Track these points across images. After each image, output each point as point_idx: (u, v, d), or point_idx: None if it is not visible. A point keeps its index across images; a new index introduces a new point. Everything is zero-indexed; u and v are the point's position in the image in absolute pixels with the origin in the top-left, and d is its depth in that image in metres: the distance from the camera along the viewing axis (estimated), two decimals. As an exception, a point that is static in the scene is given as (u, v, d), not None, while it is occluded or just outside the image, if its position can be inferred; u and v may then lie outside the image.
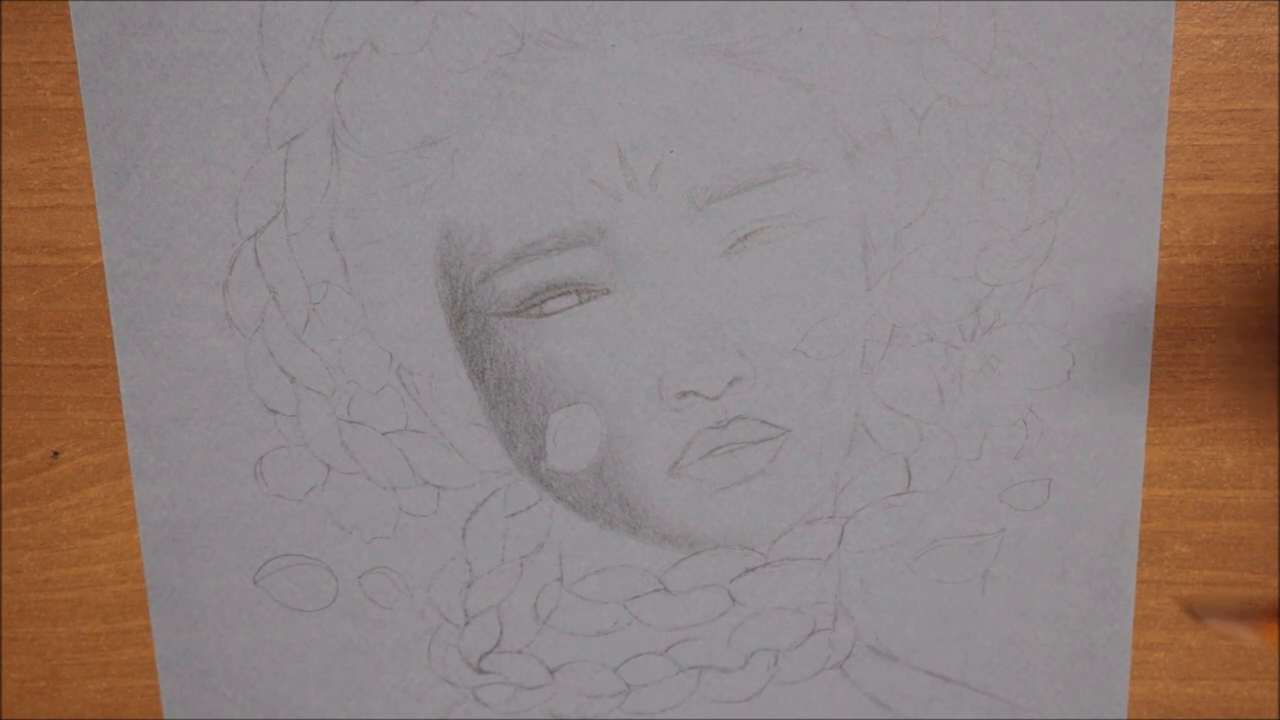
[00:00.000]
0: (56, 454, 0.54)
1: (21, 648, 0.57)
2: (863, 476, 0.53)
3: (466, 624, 0.55)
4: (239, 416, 0.53)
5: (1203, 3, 0.47)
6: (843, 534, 0.53)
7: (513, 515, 0.54)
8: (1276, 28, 0.47)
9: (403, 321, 0.51)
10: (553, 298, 0.51)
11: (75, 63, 0.49)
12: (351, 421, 0.53)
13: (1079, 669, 0.54)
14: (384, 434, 0.53)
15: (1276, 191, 0.49)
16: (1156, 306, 0.51)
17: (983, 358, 0.52)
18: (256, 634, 0.55)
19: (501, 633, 0.55)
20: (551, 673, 0.56)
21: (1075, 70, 0.47)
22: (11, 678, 0.58)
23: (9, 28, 0.49)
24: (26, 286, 0.52)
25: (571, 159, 0.49)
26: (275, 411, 0.53)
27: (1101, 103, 0.47)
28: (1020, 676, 0.55)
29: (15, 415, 0.54)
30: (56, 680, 0.58)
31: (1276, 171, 0.48)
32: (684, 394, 0.52)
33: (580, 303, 0.51)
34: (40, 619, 0.57)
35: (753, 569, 0.54)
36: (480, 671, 0.56)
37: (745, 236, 0.50)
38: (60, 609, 0.57)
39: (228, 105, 0.49)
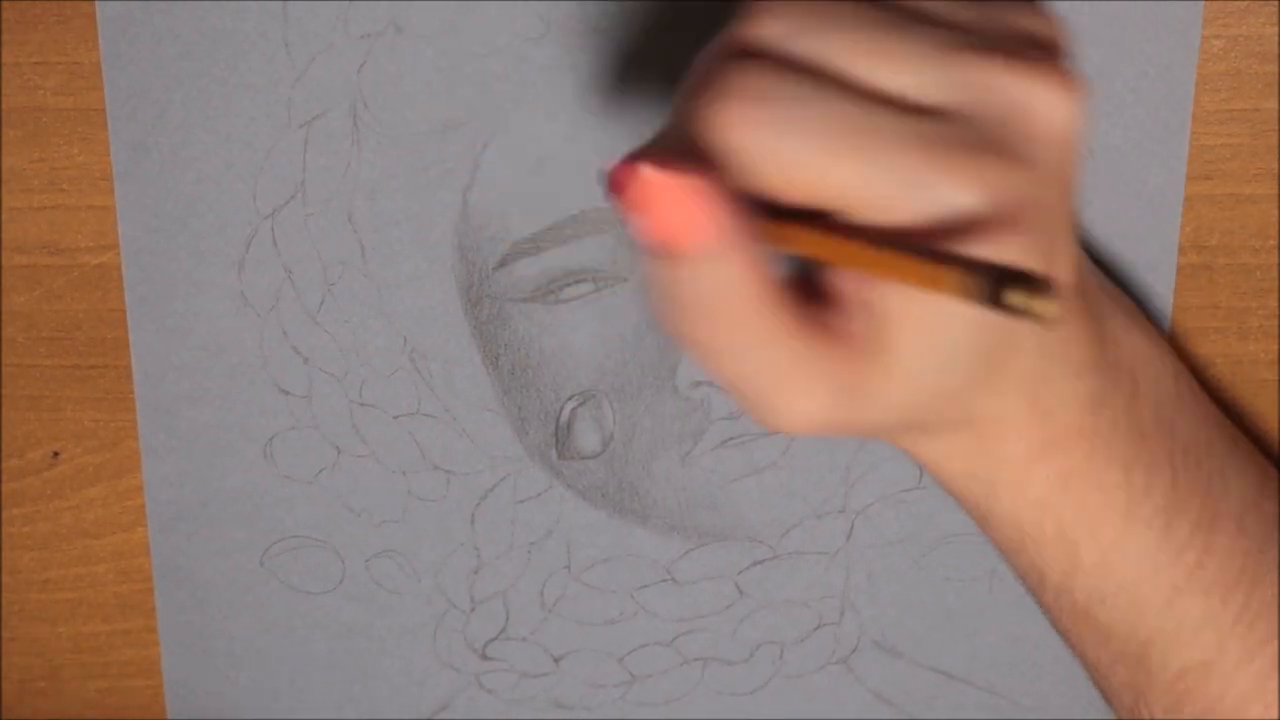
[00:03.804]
0: (57, 454, 0.54)
1: (22, 648, 0.57)
2: (873, 472, 0.53)
3: (473, 610, 0.55)
4: (251, 396, 0.52)
5: (1203, 3, 0.47)
6: (852, 529, 0.54)
7: (522, 502, 0.54)
8: (1276, 28, 0.47)
9: (418, 305, 0.51)
10: (569, 285, 0.51)
11: (76, 63, 0.49)
12: (363, 404, 0.53)
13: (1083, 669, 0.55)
14: (395, 417, 0.53)
15: (1276, 191, 0.49)
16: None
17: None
18: (261, 615, 0.55)
19: (507, 619, 0.55)
20: (556, 661, 0.56)
21: (1100, 70, 0.47)
22: (12, 678, 0.57)
23: (9, 28, 0.49)
24: (27, 287, 0.52)
25: (593, 145, 0.49)
26: (287, 392, 0.52)
27: (1126, 103, 0.48)
28: (1025, 675, 0.55)
29: (15, 415, 0.54)
30: (57, 681, 0.57)
31: (1276, 171, 0.49)
32: (698, 384, 0.52)
33: (597, 290, 0.51)
34: (40, 619, 0.56)
35: (761, 561, 0.54)
36: (485, 658, 0.56)
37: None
38: (60, 609, 0.56)
39: (250, 84, 0.49)
